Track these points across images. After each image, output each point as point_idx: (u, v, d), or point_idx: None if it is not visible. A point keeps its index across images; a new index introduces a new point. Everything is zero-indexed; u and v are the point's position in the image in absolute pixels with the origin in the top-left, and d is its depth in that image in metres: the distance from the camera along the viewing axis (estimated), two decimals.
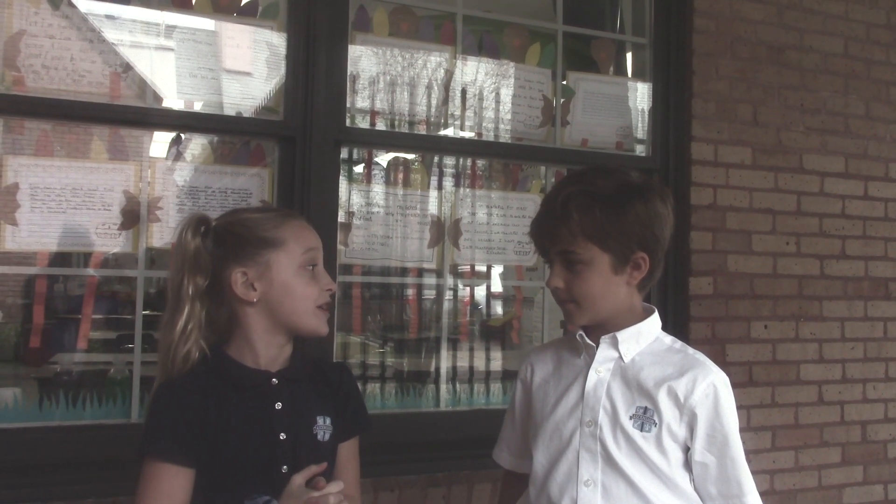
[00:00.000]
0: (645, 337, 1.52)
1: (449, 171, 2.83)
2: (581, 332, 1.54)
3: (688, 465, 1.47)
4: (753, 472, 1.48)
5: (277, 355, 1.55)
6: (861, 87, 3.18)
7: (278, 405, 1.51)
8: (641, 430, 1.45)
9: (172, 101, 2.41)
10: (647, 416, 1.45)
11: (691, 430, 1.45)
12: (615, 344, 1.50)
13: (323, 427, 1.55)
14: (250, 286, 1.50)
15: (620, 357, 1.50)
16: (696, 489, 1.48)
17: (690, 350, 1.54)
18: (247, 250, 1.51)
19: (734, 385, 1.50)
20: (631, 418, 1.45)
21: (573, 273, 1.47)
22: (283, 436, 1.49)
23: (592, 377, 1.50)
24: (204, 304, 1.53)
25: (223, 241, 1.53)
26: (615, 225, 1.44)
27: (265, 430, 1.48)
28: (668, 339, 1.55)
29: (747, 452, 1.48)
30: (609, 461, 1.45)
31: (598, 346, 1.51)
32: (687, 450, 1.47)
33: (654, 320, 1.54)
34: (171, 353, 1.50)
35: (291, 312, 1.52)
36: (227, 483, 1.45)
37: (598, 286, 1.47)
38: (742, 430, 1.48)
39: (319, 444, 1.53)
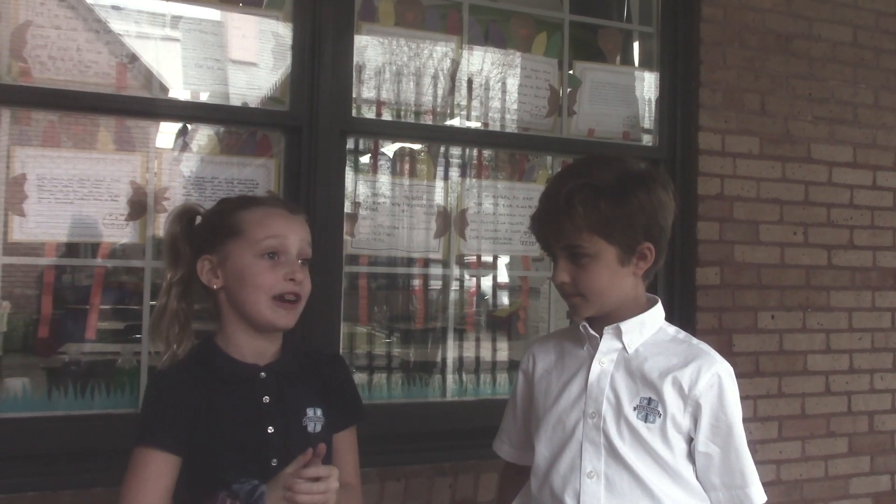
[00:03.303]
0: (648, 327, 1.51)
1: (455, 161, 2.83)
2: (584, 323, 1.53)
3: (691, 456, 1.47)
4: (760, 463, 1.48)
5: (264, 348, 1.56)
6: (870, 76, 3.16)
7: (266, 399, 1.52)
8: (646, 421, 1.44)
9: (178, 91, 2.41)
10: (651, 407, 1.45)
11: (695, 420, 1.45)
12: (619, 335, 1.50)
13: (314, 419, 1.55)
14: (214, 273, 1.53)
15: (624, 348, 1.50)
16: (698, 479, 1.47)
17: (694, 340, 1.53)
18: (213, 238, 1.54)
19: (741, 375, 1.50)
20: (635, 409, 1.45)
21: (579, 267, 1.46)
22: (271, 429, 1.50)
23: (596, 368, 1.50)
24: (182, 288, 1.56)
25: (200, 229, 1.58)
26: (620, 217, 1.43)
27: (253, 423, 1.49)
28: (672, 329, 1.55)
29: (754, 443, 1.48)
30: (612, 453, 1.45)
31: (601, 337, 1.51)
32: (690, 440, 1.47)
33: (658, 310, 1.54)
34: (154, 327, 1.56)
35: (245, 302, 1.51)
36: (217, 474, 1.45)
37: (604, 279, 1.46)
38: (748, 420, 1.48)
39: (311, 436, 1.52)
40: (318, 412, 1.56)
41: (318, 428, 1.55)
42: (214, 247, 1.53)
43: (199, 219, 1.62)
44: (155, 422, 1.47)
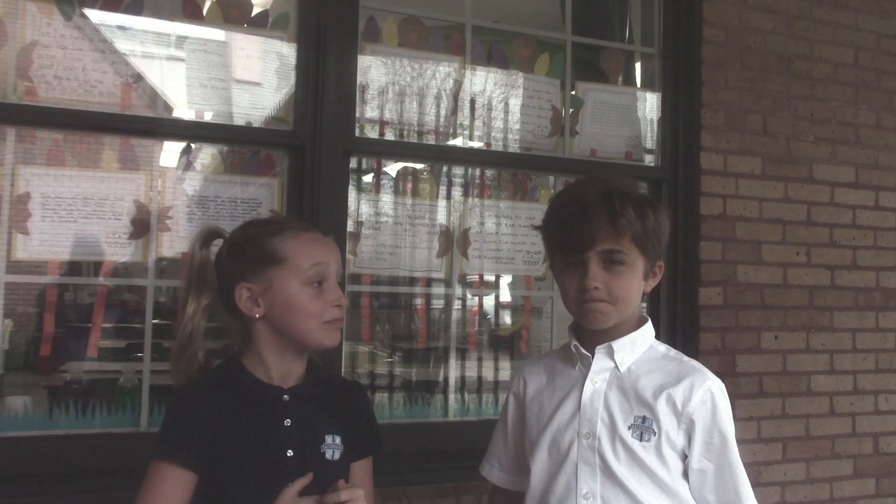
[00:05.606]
0: (640, 346, 1.51)
1: (458, 180, 2.84)
2: (575, 343, 1.53)
3: (686, 474, 1.46)
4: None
5: (290, 371, 1.55)
6: (871, 97, 3.17)
7: (287, 422, 1.51)
8: (641, 439, 1.43)
9: (183, 111, 2.43)
10: (645, 426, 1.44)
11: (689, 437, 1.45)
12: (611, 353, 1.49)
13: (332, 446, 1.54)
14: (255, 302, 1.51)
15: (616, 367, 1.49)
16: (693, 497, 1.46)
17: (685, 357, 1.54)
18: (251, 266, 1.52)
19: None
20: (630, 428, 1.44)
21: (611, 273, 1.45)
22: (290, 453, 1.49)
23: (589, 388, 1.49)
24: (206, 313, 1.56)
25: (232, 255, 1.55)
26: (656, 230, 1.47)
27: (272, 445, 1.48)
28: (663, 347, 1.55)
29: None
30: (608, 473, 1.44)
31: (593, 356, 1.50)
32: (685, 458, 1.46)
33: (648, 329, 1.54)
34: (178, 357, 1.56)
35: (296, 329, 1.51)
36: (232, 494, 1.45)
37: (634, 288, 1.48)
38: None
39: (328, 463, 1.52)
40: (338, 440, 1.55)
41: (337, 456, 1.54)
42: (254, 274, 1.51)
43: (221, 242, 1.61)
44: (174, 437, 1.46)
